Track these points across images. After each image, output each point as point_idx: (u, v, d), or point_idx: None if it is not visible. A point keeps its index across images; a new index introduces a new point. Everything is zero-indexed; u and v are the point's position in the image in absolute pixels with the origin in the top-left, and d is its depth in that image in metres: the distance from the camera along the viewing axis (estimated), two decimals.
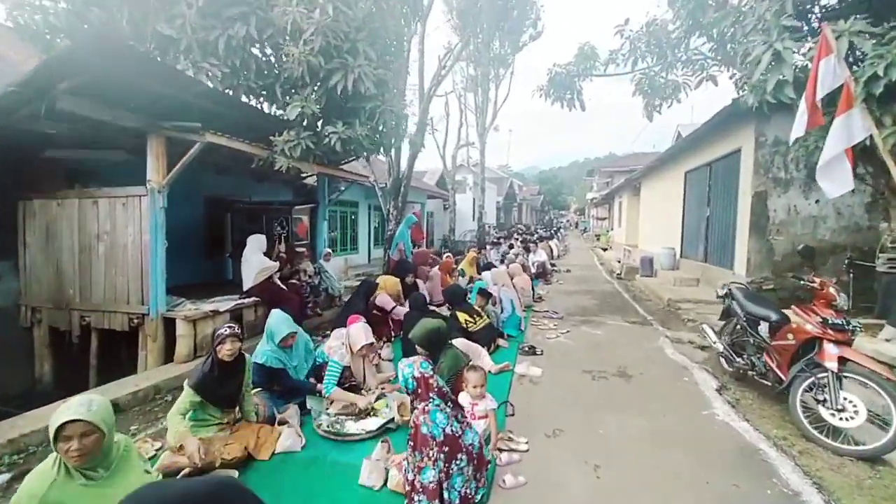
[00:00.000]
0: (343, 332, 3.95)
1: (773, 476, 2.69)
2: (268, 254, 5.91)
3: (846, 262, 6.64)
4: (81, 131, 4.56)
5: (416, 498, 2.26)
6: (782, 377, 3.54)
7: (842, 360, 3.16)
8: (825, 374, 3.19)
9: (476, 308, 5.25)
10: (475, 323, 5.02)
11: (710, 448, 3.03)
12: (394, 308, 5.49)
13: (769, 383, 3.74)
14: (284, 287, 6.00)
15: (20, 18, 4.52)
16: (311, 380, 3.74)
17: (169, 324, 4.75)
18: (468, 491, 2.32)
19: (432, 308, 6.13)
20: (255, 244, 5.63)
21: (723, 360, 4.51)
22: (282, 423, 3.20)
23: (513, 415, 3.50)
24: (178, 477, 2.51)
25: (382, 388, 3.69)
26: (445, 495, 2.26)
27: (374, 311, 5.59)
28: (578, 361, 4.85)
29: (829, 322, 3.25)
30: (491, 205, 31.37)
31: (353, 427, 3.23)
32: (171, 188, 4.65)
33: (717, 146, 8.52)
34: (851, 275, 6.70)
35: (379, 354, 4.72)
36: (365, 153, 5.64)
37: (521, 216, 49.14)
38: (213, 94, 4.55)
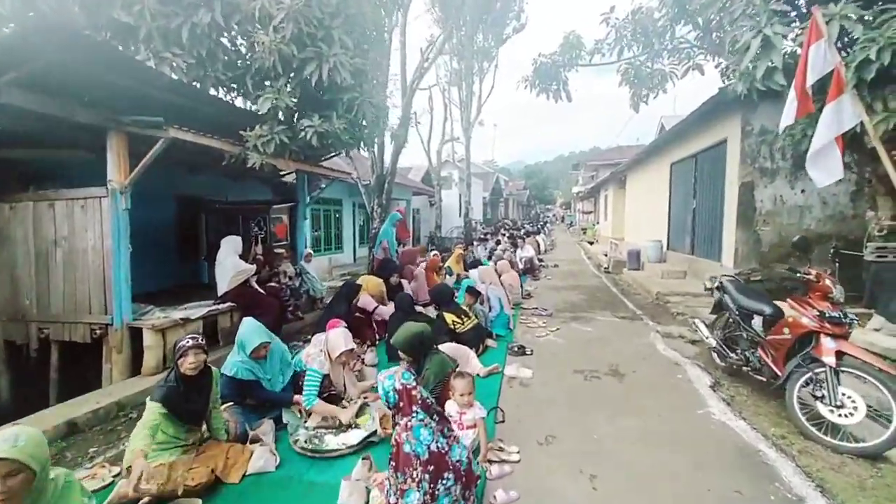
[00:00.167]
0: (323, 337, 3.72)
1: (776, 480, 2.57)
2: (244, 256, 5.61)
3: (832, 251, 6.64)
4: (33, 128, 4.21)
5: None
6: (778, 373, 3.43)
7: (839, 355, 3.06)
8: (823, 370, 3.09)
9: (464, 308, 5.06)
10: (463, 324, 4.83)
11: (708, 450, 2.91)
12: (376, 308, 5.27)
13: (764, 379, 3.64)
14: (262, 291, 5.72)
15: None
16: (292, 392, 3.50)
17: (135, 334, 4.45)
18: None
19: (419, 308, 5.93)
20: (230, 246, 5.33)
21: (715, 355, 4.42)
22: (254, 440, 2.97)
23: (503, 421, 3.33)
24: None
25: (365, 398, 3.48)
26: None
27: (357, 314, 5.36)
28: (569, 360, 4.71)
29: (826, 315, 3.14)
30: (477, 200, 31.24)
31: (332, 442, 3.01)
32: (138, 188, 4.34)
33: (702, 137, 8.46)
34: (837, 264, 6.70)
35: (362, 360, 4.51)
36: (344, 148, 5.37)
37: (507, 211, 49.15)
38: (178, 86, 4.24)
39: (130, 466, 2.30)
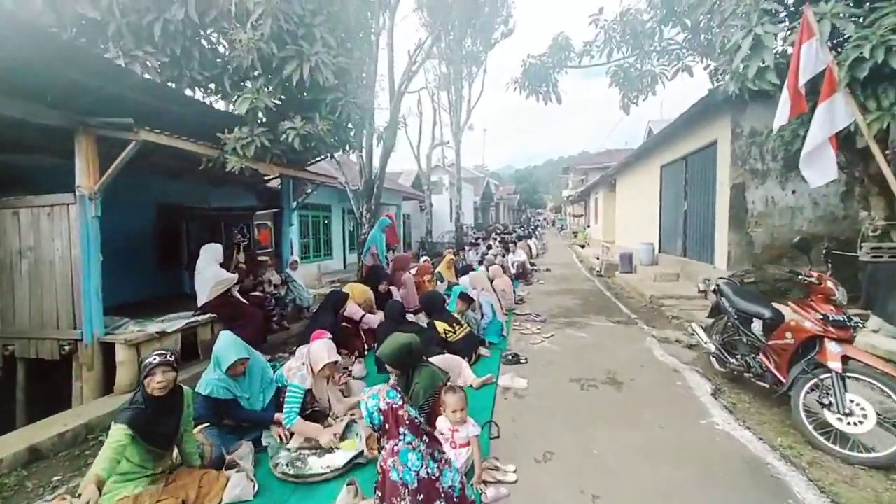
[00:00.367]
0: (306, 350, 3.51)
1: (788, 496, 2.43)
2: (225, 265, 5.37)
3: (824, 252, 6.62)
4: None
5: None
6: (782, 379, 3.31)
7: (845, 360, 2.95)
8: (828, 376, 2.97)
9: (456, 316, 4.88)
10: (455, 333, 4.65)
11: (714, 464, 2.76)
12: (363, 317, 5.07)
13: (767, 385, 3.52)
14: (245, 300, 5.48)
15: None
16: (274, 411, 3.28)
17: (108, 349, 4.18)
18: None
19: (409, 316, 5.74)
20: (210, 255, 5.09)
21: (714, 360, 4.30)
22: (231, 465, 2.74)
23: (498, 437, 3.15)
24: None
25: (352, 415, 3.27)
26: None
27: (344, 324, 5.15)
28: (565, 368, 4.55)
29: (830, 319, 3.03)
30: (468, 205, 31.17)
31: (316, 464, 2.80)
32: (114, 195, 4.10)
33: (692, 139, 8.44)
34: (830, 265, 6.68)
35: (349, 372, 4.30)
36: (329, 151, 5.17)
37: (498, 215, 49.22)
38: (151, 86, 4.02)
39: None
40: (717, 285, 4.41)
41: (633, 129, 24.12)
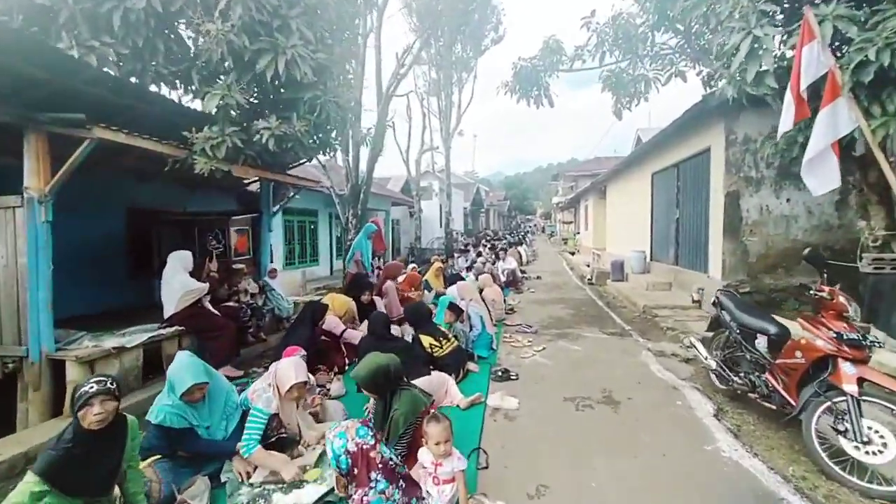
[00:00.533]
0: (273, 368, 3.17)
1: None
2: (195, 273, 5.01)
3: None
4: None
5: None
6: (791, 402, 3.08)
7: (860, 382, 2.73)
8: (843, 399, 2.75)
9: (443, 330, 4.59)
10: (442, 347, 4.35)
11: (724, 499, 2.50)
12: (344, 331, 4.74)
13: (774, 407, 3.29)
14: (217, 311, 5.11)
15: None
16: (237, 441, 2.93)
17: (58, 367, 3.80)
18: None
19: (394, 328, 5.42)
20: (178, 262, 4.74)
21: (715, 377, 4.07)
22: None
23: (486, 467, 2.86)
24: None
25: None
26: None
27: (324, 337, 4.82)
28: (558, 385, 4.28)
29: (845, 337, 2.81)
30: (458, 211, 30.96)
31: (282, 501, 2.48)
32: (82, 198, 3.75)
33: (684, 146, 8.32)
34: (825, 275, 6.57)
35: (326, 392, 3.97)
36: (308, 153, 4.86)
37: (488, 222, 49.15)
38: (110, 81, 3.68)
39: None
40: (717, 297, 4.20)
41: (621, 137, 24.24)
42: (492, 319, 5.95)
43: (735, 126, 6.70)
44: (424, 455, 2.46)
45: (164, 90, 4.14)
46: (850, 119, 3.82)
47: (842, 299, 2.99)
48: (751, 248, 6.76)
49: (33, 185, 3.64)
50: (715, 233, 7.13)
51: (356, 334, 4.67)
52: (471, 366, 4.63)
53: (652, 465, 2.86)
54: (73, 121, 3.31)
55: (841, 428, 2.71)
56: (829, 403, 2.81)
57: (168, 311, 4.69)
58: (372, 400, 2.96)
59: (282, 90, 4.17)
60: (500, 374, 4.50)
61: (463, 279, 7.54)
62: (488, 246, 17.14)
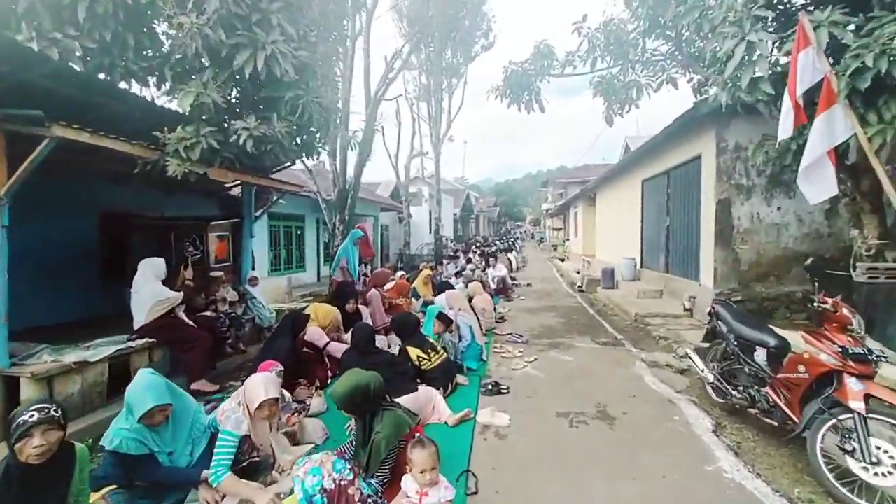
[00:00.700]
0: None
1: None
2: (169, 282, 4.74)
3: (808, 270, 6.47)
4: None
5: None
6: (794, 418, 2.95)
7: (867, 399, 2.60)
8: (849, 417, 2.62)
9: (431, 341, 4.39)
10: (430, 360, 4.15)
11: None
12: (328, 344, 4.51)
13: (775, 423, 3.16)
14: (193, 322, 4.84)
15: None
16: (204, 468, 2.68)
17: (12, 384, 3.50)
18: None
19: (379, 339, 5.21)
20: (149, 270, 4.47)
21: (711, 390, 3.94)
22: None
23: (476, 492, 2.65)
24: None
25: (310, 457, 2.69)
26: None
27: (306, 349, 4.58)
28: (551, 400, 4.11)
29: (850, 352, 2.69)
30: (448, 217, 30.86)
31: None
32: (51, 202, 3.47)
33: (675, 153, 8.29)
34: (815, 284, 6.55)
35: (305, 408, 3.72)
36: (289, 156, 4.64)
37: (478, 228, 49.14)
38: (74, 76, 3.44)
39: None
40: (714, 308, 4.08)
41: (610, 145, 24.46)
42: (481, 329, 5.77)
43: (726, 133, 6.67)
44: (409, 483, 2.25)
45: (136, 88, 3.90)
46: (847, 126, 3.75)
47: (845, 311, 2.88)
48: (742, 257, 6.71)
49: None
50: (706, 241, 7.08)
51: (340, 347, 4.44)
52: (460, 379, 4.43)
53: (652, 488, 2.69)
54: (31, 118, 3.06)
55: (848, 447, 2.58)
56: (834, 421, 2.68)
57: (138, 321, 4.41)
58: (353, 421, 2.75)
59: (261, 89, 3.96)
60: (490, 387, 4.31)
61: (452, 287, 7.35)
62: (478, 252, 17.00)
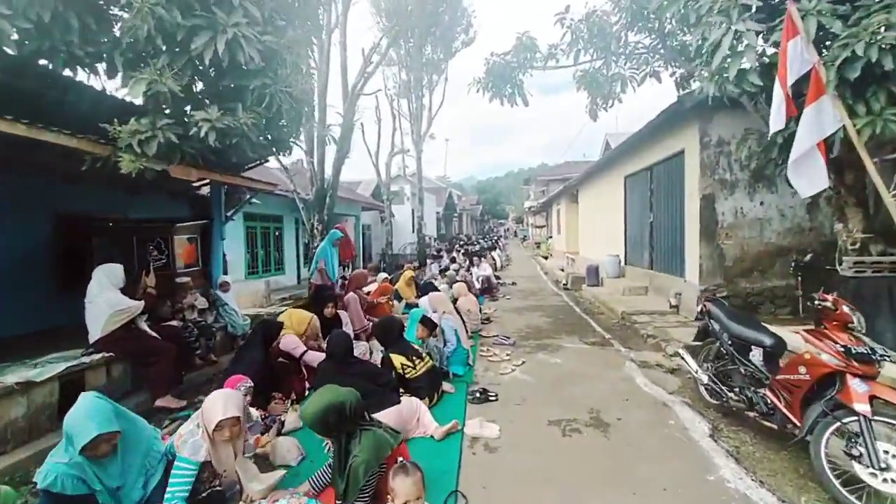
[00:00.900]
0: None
1: None
2: (130, 290, 4.36)
3: (793, 265, 6.49)
4: None
5: None
6: (795, 421, 2.83)
7: (871, 400, 2.49)
8: (854, 419, 2.50)
9: (415, 348, 4.14)
10: (415, 367, 3.90)
11: None
12: (304, 353, 4.21)
13: (775, 426, 3.04)
14: (156, 333, 4.47)
15: None
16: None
17: None
18: None
19: (359, 347, 4.93)
20: (104, 278, 4.09)
21: (705, 391, 3.81)
22: None
23: None
24: None
25: (275, 501, 2.40)
26: None
27: (281, 359, 4.28)
28: (541, 406, 3.92)
29: (853, 352, 2.57)
30: (431, 215, 30.60)
31: None
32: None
33: (658, 148, 8.25)
34: (799, 278, 6.58)
35: (280, 425, 3.43)
36: (257, 151, 4.29)
37: (461, 226, 49.02)
38: (8, 61, 3.06)
39: None
40: (705, 306, 3.96)
41: (590, 141, 24.64)
42: (467, 332, 5.55)
43: (709, 128, 6.63)
44: None
45: (83, 75, 3.52)
46: (835, 118, 3.67)
47: (846, 309, 2.77)
48: (727, 252, 6.68)
49: None
50: (691, 236, 7.04)
51: (319, 356, 4.13)
52: (446, 387, 4.20)
53: (652, 503, 2.51)
54: None
55: (854, 452, 2.46)
56: (838, 424, 2.56)
57: (94, 334, 4.02)
58: (332, 445, 2.49)
59: (224, 77, 3.63)
60: (478, 395, 4.10)
61: (437, 289, 7.11)
62: (462, 251, 16.81)
